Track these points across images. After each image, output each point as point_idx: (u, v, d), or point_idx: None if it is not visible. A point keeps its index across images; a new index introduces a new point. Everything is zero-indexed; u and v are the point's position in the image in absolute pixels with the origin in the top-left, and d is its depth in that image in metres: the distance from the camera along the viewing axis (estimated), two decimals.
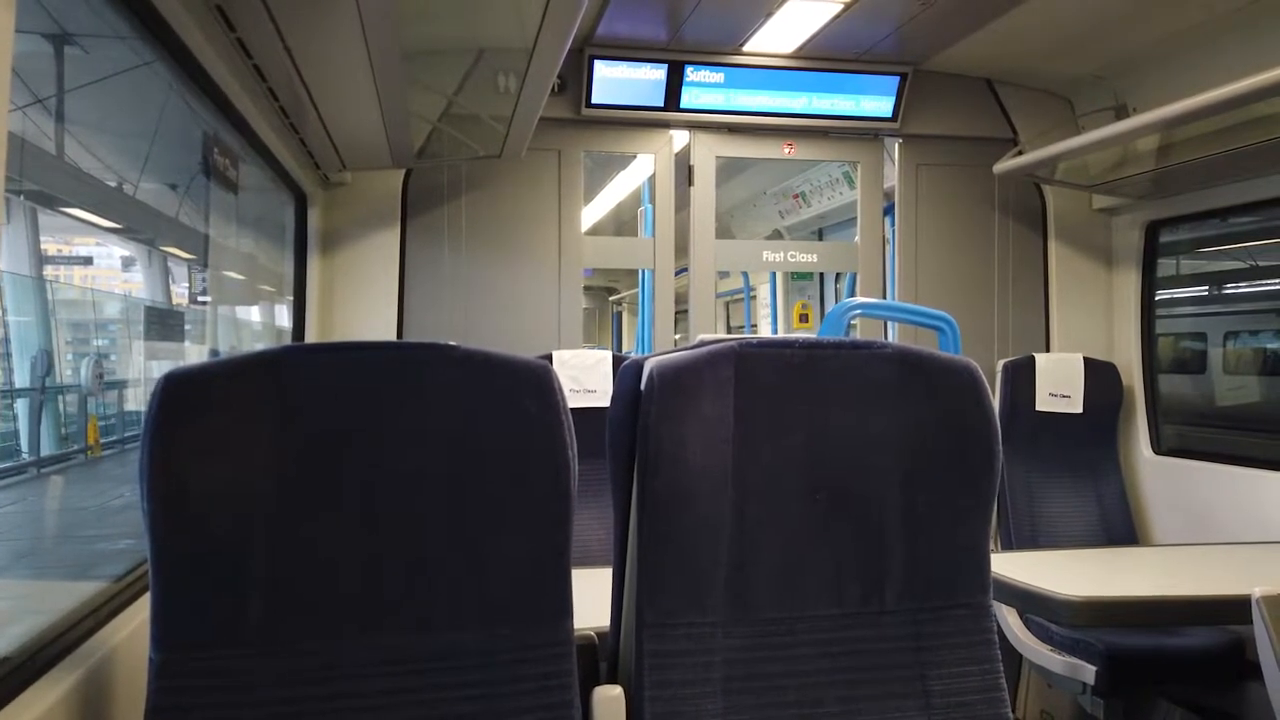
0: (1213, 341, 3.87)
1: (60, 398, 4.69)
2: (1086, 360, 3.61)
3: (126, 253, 4.87)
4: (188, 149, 2.56)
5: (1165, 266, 3.83)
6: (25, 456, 4.59)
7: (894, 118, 3.79)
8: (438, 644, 1.27)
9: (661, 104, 3.66)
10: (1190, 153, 3.17)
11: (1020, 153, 3.68)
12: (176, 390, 1.20)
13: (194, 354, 3.63)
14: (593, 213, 6.16)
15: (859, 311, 3.38)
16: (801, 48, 3.55)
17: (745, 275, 8.05)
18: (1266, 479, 3.09)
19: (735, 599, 1.35)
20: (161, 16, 1.75)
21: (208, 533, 1.20)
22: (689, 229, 3.84)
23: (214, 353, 3.78)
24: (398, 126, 2.70)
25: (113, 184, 3.22)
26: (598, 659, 1.51)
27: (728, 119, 3.76)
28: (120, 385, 4.78)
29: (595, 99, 3.60)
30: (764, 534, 1.36)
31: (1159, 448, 3.66)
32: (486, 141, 3.21)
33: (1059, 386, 3.57)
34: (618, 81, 3.60)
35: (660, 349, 2.80)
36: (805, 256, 4.08)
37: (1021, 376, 3.56)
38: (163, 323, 4.03)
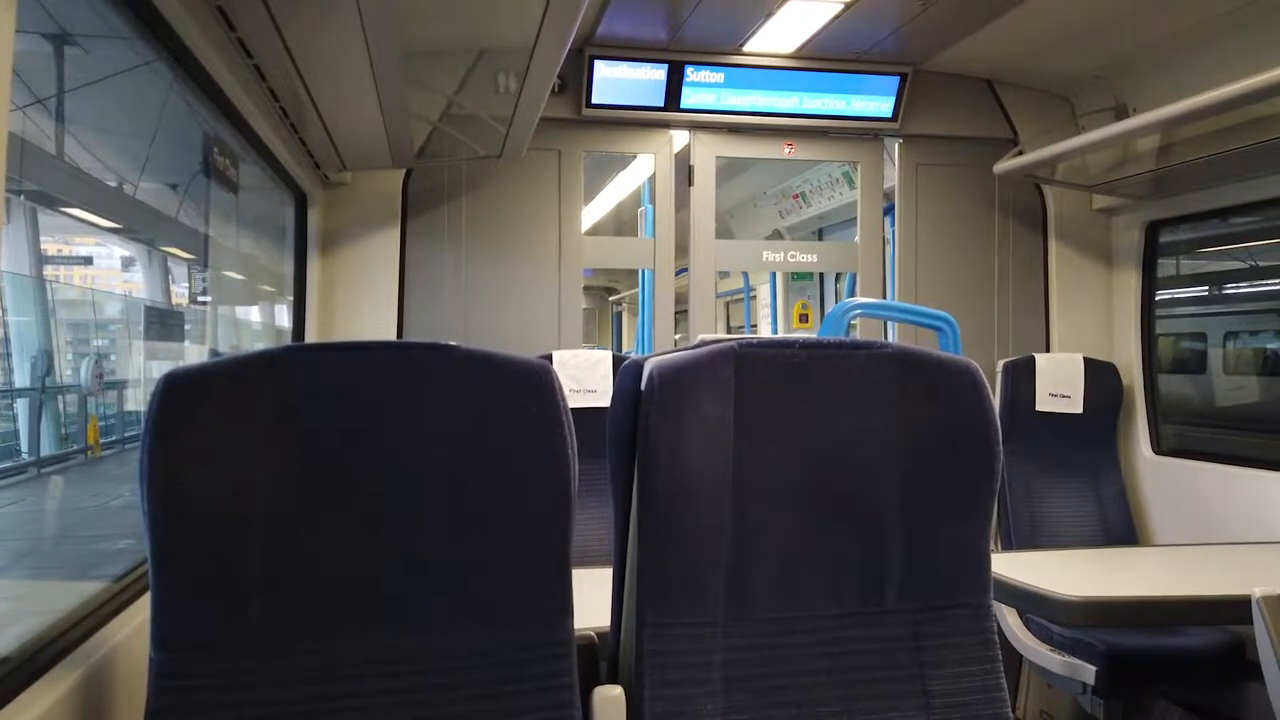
0: (1212, 342, 3.87)
1: (60, 398, 4.69)
2: (1086, 360, 3.61)
3: (126, 253, 4.87)
4: (188, 149, 2.56)
5: (1165, 266, 3.83)
6: (25, 456, 4.59)
7: (894, 118, 3.79)
8: (438, 644, 1.27)
9: (662, 104, 3.66)
10: (1190, 153, 3.17)
11: (1020, 153, 3.68)
12: (177, 390, 1.20)
13: (194, 354, 3.63)
14: (593, 213, 6.16)
15: (859, 311, 3.38)
16: (801, 48, 3.56)
17: (745, 275, 8.06)
18: (1266, 479, 3.09)
19: (735, 599, 1.35)
20: (162, 16, 1.75)
21: (208, 533, 1.20)
22: (689, 229, 3.84)
23: (214, 353, 3.78)
24: (398, 126, 2.70)
25: (113, 184, 3.21)
26: (598, 659, 1.52)
27: (728, 119, 3.76)
28: (120, 385, 4.78)
29: (595, 99, 3.60)
30: (764, 534, 1.36)
31: (1159, 448, 3.66)
32: (487, 141, 3.21)
33: (1059, 387, 3.57)
34: (618, 81, 3.60)
35: (660, 349, 2.80)
36: (805, 257, 4.09)
37: (1021, 376, 3.56)
38: (163, 323, 4.03)
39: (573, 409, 1.33)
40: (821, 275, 6.84)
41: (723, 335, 1.49)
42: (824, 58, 3.66)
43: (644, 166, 4.60)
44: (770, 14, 3.23)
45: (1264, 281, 3.81)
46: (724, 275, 7.79)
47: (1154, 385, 3.73)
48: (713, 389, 1.33)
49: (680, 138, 3.85)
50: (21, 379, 4.42)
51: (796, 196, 5.99)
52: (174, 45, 1.86)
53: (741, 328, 8.43)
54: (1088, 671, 2.70)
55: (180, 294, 4.16)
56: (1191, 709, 2.87)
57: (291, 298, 3.37)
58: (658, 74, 3.61)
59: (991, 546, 1.46)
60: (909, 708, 1.37)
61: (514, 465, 1.29)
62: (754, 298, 8.12)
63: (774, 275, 7.39)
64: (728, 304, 9.13)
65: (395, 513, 1.26)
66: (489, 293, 3.63)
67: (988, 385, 1.43)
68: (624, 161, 5.08)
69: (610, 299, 13.50)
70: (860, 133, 3.89)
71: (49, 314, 4.55)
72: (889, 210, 4.04)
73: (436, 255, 3.58)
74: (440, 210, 3.59)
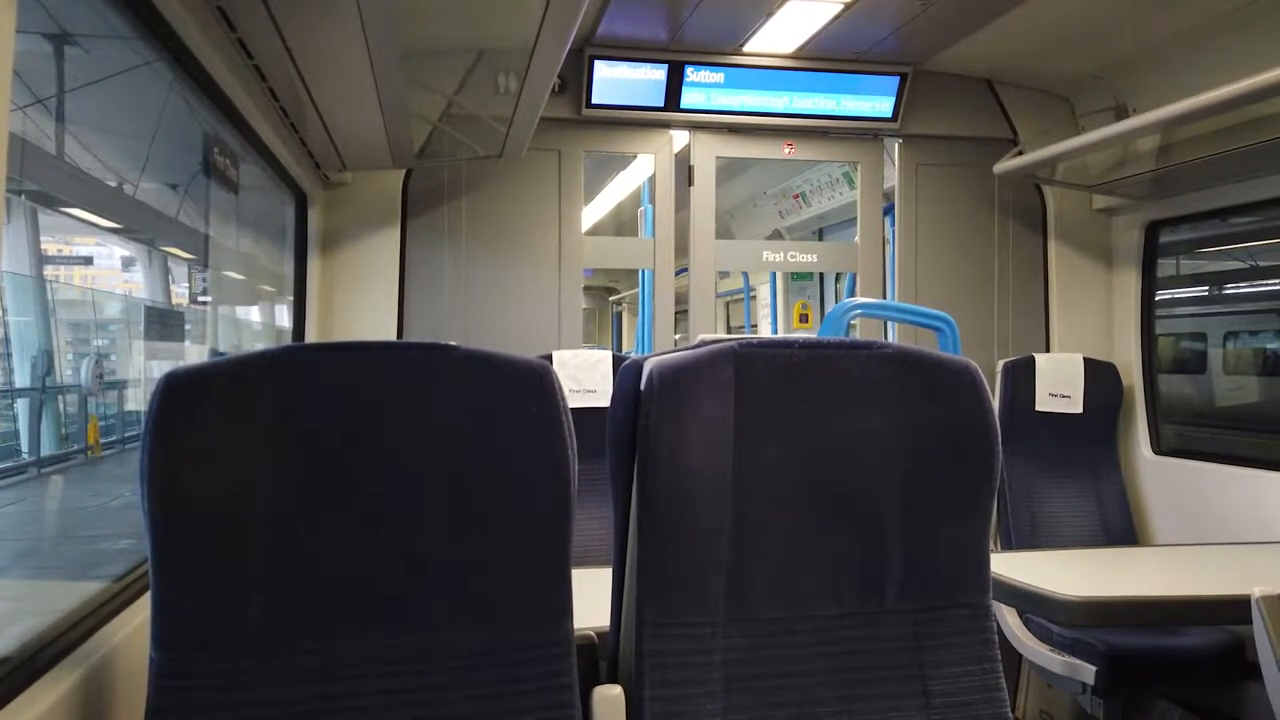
0: (1212, 342, 3.87)
1: (60, 398, 4.69)
2: (1086, 360, 3.61)
3: (127, 253, 4.87)
4: (188, 149, 2.56)
5: (1165, 266, 3.84)
6: (25, 456, 4.59)
7: (894, 118, 3.79)
8: (438, 644, 1.27)
9: (662, 104, 3.66)
10: (1190, 153, 3.17)
11: (1020, 153, 3.68)
12: (177, 390, 1.20)
13: (194, 354, 3.63)
14: (593, 213, 6.16)
15: (859, 311, 3.38)
16: (801, 48, 3.56)
17: (745, 275, 8.06)
18: (1266, 479, 3.09)
19: (735, 599, 1.35)
20: (162, 16, 1.75)
21: (208, 532, 1.20)
22: (689, 229, 3.84)
23: (214, 353, 3.78)
24: (398, 126, 2.70)
25: (113, 184, 3.22)
26: (597, 659, 1.52)
27: (728, 119, 3.76)
28: (120, 385, 4.78)
29: (595, 99, 3.60)
30: (764, 534, 1.36)
31: (1159, 448, 3.66)
32: (487, 141, 3.21)
33: (1059, 387, 3.57)
34: (618, 82, 3.61)
35: (660, 349, 2.80)
36: (805, 257, 4.09)
37: (1021, 376, 3.56)
38: (163, 323, 4.03)
39: (572, 409, 1.34)
40: (821, 275, 6.84)
41: (723, 335, 1.49)
42: (824, 58, 3.66)
43: (644, 166, 4.60)
44: (770, 14, 3.23)
45: (1264, 281, 3.82)
46: (724, 275, 7.79)
47: (1154, 385, 3.73)
48: (713, 389, 1.34)
49: (680, 138, 3.85)
50: (22, 379, 4.42)
51: (796, 196, 5.99)
52: (174, 45, 1.86)
53: (741, 328, 8.43)
54: (1087, 671, 2.70)
55: (180, 294, 4.16)
56: (1191, 709, 2.87)
57: (291, 298, 3.37)
58: (658, 74, 3.62)
59: (991, 546, 1.46)
60: (909, 708, 1.37)
61: (514, 465, 1.29)
62: (754, 298, 8.12)
63: (774, 275, 7.39)
64: (728, 304, 9.13)
65: (395, 513, 1.26)
66: (489, 293, 3.63)
67: (987, 385, 1.44)
68: (624, 161, 5.08)
69: (610, 299, 13.50)
70: (860, 133, 3.89)
71: (49, 314, 4.55)
72: (889, 210, 4.04)
73: (436, 255, 3.58)
74: (440, 210, 3.59)
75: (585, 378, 3.01)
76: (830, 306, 6.40)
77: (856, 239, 4.03)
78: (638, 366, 1.37)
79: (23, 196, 2.91)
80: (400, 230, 3.51)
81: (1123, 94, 3.53)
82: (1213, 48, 3.04)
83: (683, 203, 3.85)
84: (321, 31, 1.92)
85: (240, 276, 3.95)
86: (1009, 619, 2.89)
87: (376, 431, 1.26)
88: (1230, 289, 3.97)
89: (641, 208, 4.81)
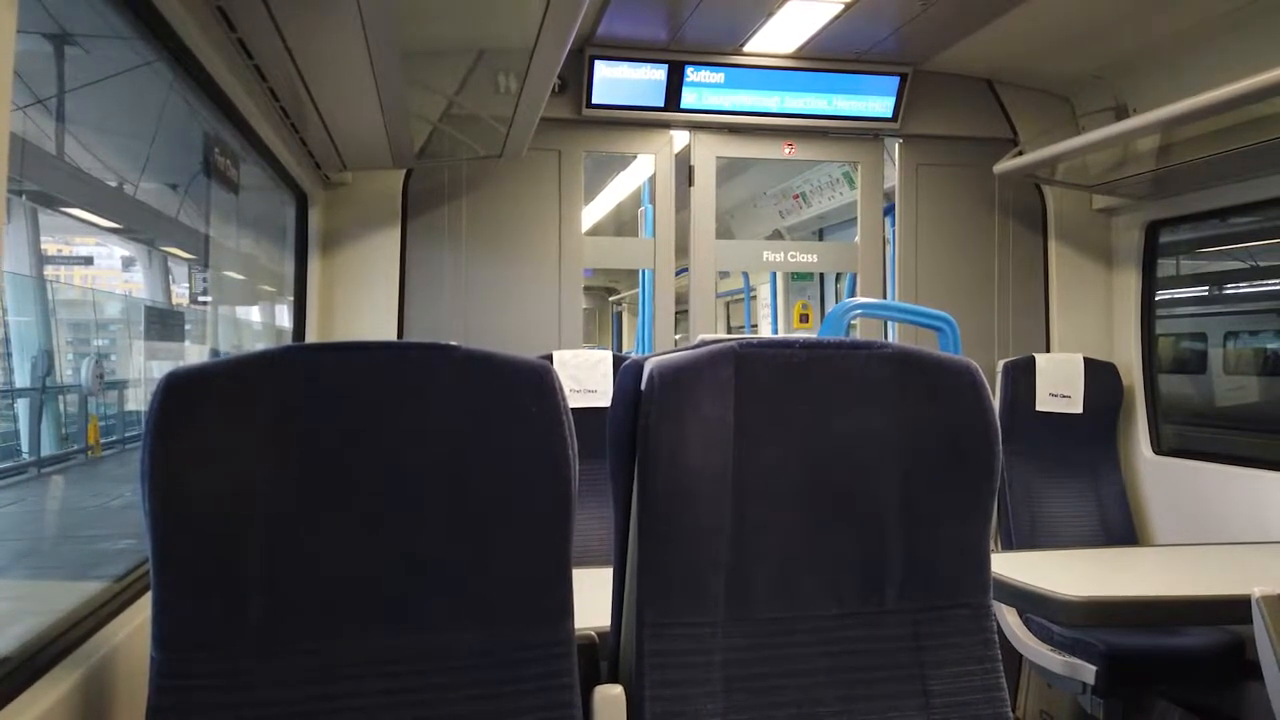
0: (1212, 342, 3.88)
1: (60, 398, 4.69)
2: (1087, 360, 3.61)
3: (127, 253, 4.87)
4: (188, 149, 2.56)
5: (1165, 267, 3.84)
6: (26, 456, 4.59)
7: (894, 118, 3.79)
8: (438, 644, 1.27)
9: (662, 104, 3.66)
10: (1190, 153, 3.17)
11: (1020, 153, 3.68)
12: (178, 390, 1.20)
13: (194, 354, 3.63)
14: (593, 213, 6.16)
15: (860, 311, 3.38)
16: (802, 48, 3.56)
17: (745, 275, 8.06)
18: (1266, 479, 3.09)
19: (735, 599, 1.35)
20: (162, 17, 1.75)
21: (208, 532, 1.20)
22: (689, 229, 3.84)
23: (214, 353, 3.78)
24: (398, 126, 2.70)
25: (113, 184, 3.22)
26: (598, 658, 1.52)
27: (728, 119, 3.76)
28: (120, 385, 4.78)
29: (596, 99, 3.60)
30: (764, 534, 1.36)
31: (1159, 448, 3.66)
32: (487, 141, 3.21)
33: (1059, 387, 3.57)
34: (618, 82, 3.61)
35: (660, 349, 2.80)
36: (805, 257, 4.09)
37: (1022, 377, 3.56)
38: (163, 323, 4.03)
39: (572, 409, 1.34)
40: (821, 275, 6.84)
41: (723, 335, 1.49)
42: (824, 58, 3.66)
43: (644, 167, 4.60)
44: (770, 14, 3.23)
45: (1264, 281, 3.82)
46: (724, 275, 7.79)
47: (1154, 385, 3.73)
48: (713, 389, 1.34)
49: (680, 138, 3.85)
50: (22, 379, 4.42)
51: (797, 197, 5.99)
52: (174, 45, 1.86)
53: (741, 328, 8.43)
54: (1088, 671, 2.70)
55: (180, 294, 4.16)
56: (1191, 709, 2.87)
57: (292, 298, 3.37)
58: (658, 74, 3.62)
59: (991, 546, 1.46)
60: (909, 708, 1.37)
61: (514, 465, 1.29)
62: (754, 298, 8.12)
63: (774, 275, 7.39)
64: (728, 304, 9.13)
65: (395, 513, 1.26)
66: (489, 293, 3.63)
67: (987, 385, 1.44)
68: (624, 161, 5.08)
69: (610, 299, 13.50)
70: (860, 133, 3.89)
71: (49, 314, 4.55)
72: (889, 210, 4.04)
73: (437, 255, 3.58)
74: (440, 210, 3.59)
75: (585, 378, 3.01)
76: (830, 307, 6.40)
77: (857, 239, 4.03)
78: (638, 366, 1.37)
79: (24, 197, 2.91)
80: (400, 230, 3.51)
81: (1123, 94, 3.53)
82: (1213, 48, 3.04)
83: (683, 203, 3.85)
84: (322, 31, 1.92)
85: (240, 276, 3.95)
86: (1009, 619, 2.90)
87: (377, 431, 1.26)
88: (1230, 289, 3.97)
89: (642, 208, 4.81)
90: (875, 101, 3.77)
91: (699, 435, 1.32)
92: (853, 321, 3.53)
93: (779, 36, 3.45)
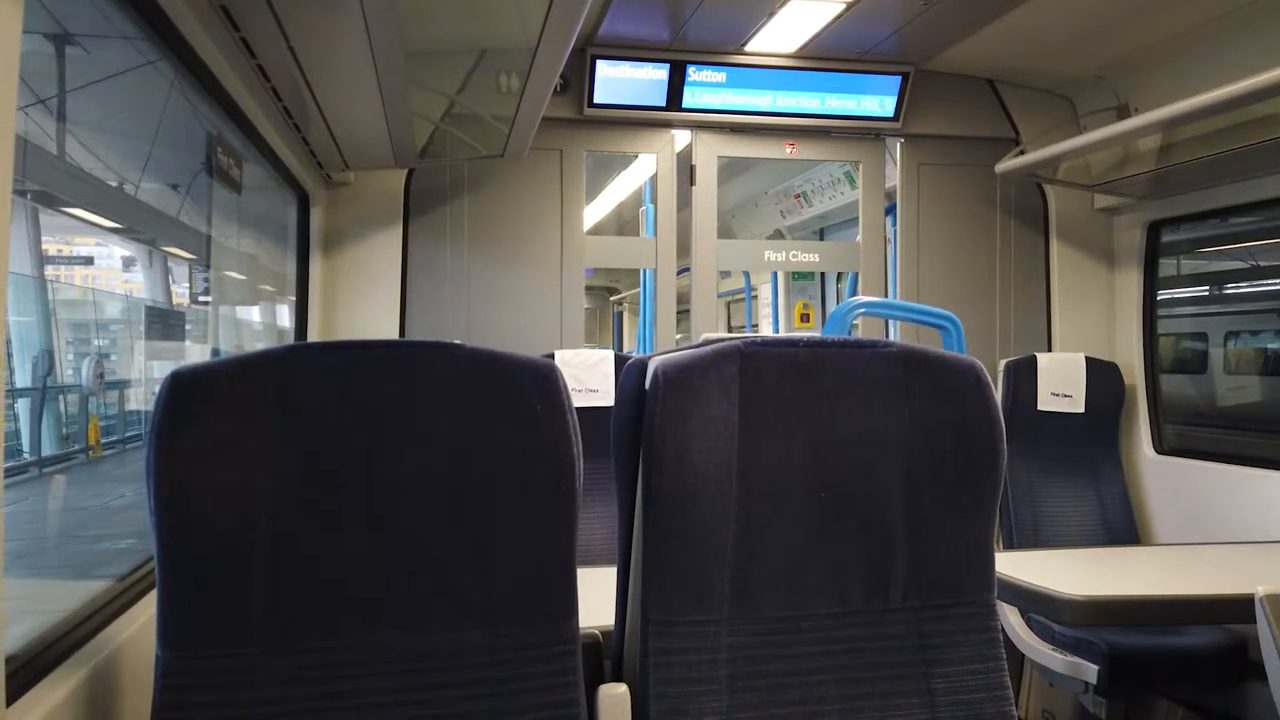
0: (1214, 341, 3.88)
1: (61, 398, 4.68)
2: (1088, 360, 3.61)
3: (127, 253, 4.86)
4: (190, 148, 2.56)
5: (1166, 266, 3.84)
6: (26, 456, 4.59)
7: (895, 117, 3.79)
8: (442, 643, 1.27)
9: (663, 104, 3.66)
10: (1191, 152, 3.17)
11: (1022, 152, 3.68)
12: (182, 389, 1.20)
13: (195, 354, 3.63)
14: (594, 212, 6.16)
15: (863, 310, 3.38)
16: (803, 47, 3.56)
17: (746, 275, 8.05)
18: (1268, 478, 3.09)
19: (740, 597, 1.35)
20: (166, 16, 1.75)
21: (212, 531, 1.20)
22: (690, 229, 3.84)
23: (215, 353, 3.78)
24: (400, 126, 2.70)
25: (114, 184, 3.21)
26: (603, 657, 1.52)
27: (730, 119, 3.76)
28: (121, 385, 4.78)
29: (597, 99, 3.60)
30: (768, 532, 1.36)
31: (1160, 447, 3.66)
32: (489, 141, 3.21)
33: (1061, 386, 3.57)
34: (620, 81, 3.61)
35: (662, 348, 2.80)
36: (807, 256, 4.09)
37: (1023, 376, 3.56)
38: (164, 323, 4.03)
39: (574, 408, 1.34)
40: (823, 275, 6.84)
41: (725, 335, 1.49)
42: (826, 57, 3.66)
43: (646, 166, 4.61)
44: (772, 14, 3.23)
45: (1265, 281, 3.82)
46: (725, 275, 7.79)
47: (1155, 385, 3.73)
48: (718, 388, 1.34)
49: (682, 137, 3.85)
50: (22, 379, 4.41)
51: (798, 196, 5.99)
52: (177, 45, 1.87)
53: (743, 327, 8.43)
54: (1090, 670, 2.70)
55: (181, 294, 4.16)
56: (1194, 708, 2.87)
57: (294, 297, 3.37)
58: (659, 74, 3.62)
59: (994, 545, 1.46)
60: (913, 706, 1.37)
61: (519, 464, 1.29)
62: (755, 297, 8.12)
63: (775, 275, 7.39)
64: (729, 304, 9.13)
65: (400, 511, 1.26)
66: (491, 292, 3.63)
67: (991, 384, 1.44)
68: (625, 161, 5.08)
69: (611, 299, 13.49)
70: (862, 132, 3.89)
71: (50, 314, 4.55)
72: (890, 210, 4.04)
73: (439, 255, 3.58)
74: (442, 210, 3.59)
75: (587, 377, 3.01)
76: (831, 306, 6.41)
77: (858, 239, 4.03)
78: (642, 365, 1.37)
79: (28, 197, 2.90)
80: (402, 230, 3.51)
81: (1124, 94, 3.53)
82: (1214, 48, 3.04)
83: (684, 202, 3.85)
84: (325, 31, 1.93)
85: (242, 276, 3.95)
86: (1011, 618, 2.90)
87: (380, 430, 1.26)
88: (1231, 289, 3.97)
89: (643, 207, 4.82)
90: (876, 101, 3.77)
91: (704, 434, 1.32)
92: (854, 321, 3.53)
93: (780, 36, 3.45)
